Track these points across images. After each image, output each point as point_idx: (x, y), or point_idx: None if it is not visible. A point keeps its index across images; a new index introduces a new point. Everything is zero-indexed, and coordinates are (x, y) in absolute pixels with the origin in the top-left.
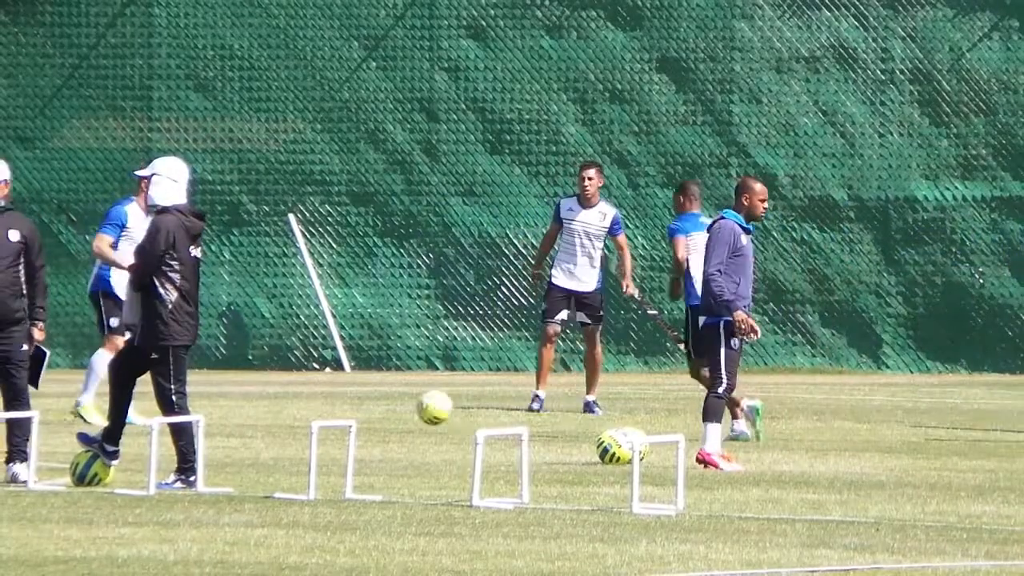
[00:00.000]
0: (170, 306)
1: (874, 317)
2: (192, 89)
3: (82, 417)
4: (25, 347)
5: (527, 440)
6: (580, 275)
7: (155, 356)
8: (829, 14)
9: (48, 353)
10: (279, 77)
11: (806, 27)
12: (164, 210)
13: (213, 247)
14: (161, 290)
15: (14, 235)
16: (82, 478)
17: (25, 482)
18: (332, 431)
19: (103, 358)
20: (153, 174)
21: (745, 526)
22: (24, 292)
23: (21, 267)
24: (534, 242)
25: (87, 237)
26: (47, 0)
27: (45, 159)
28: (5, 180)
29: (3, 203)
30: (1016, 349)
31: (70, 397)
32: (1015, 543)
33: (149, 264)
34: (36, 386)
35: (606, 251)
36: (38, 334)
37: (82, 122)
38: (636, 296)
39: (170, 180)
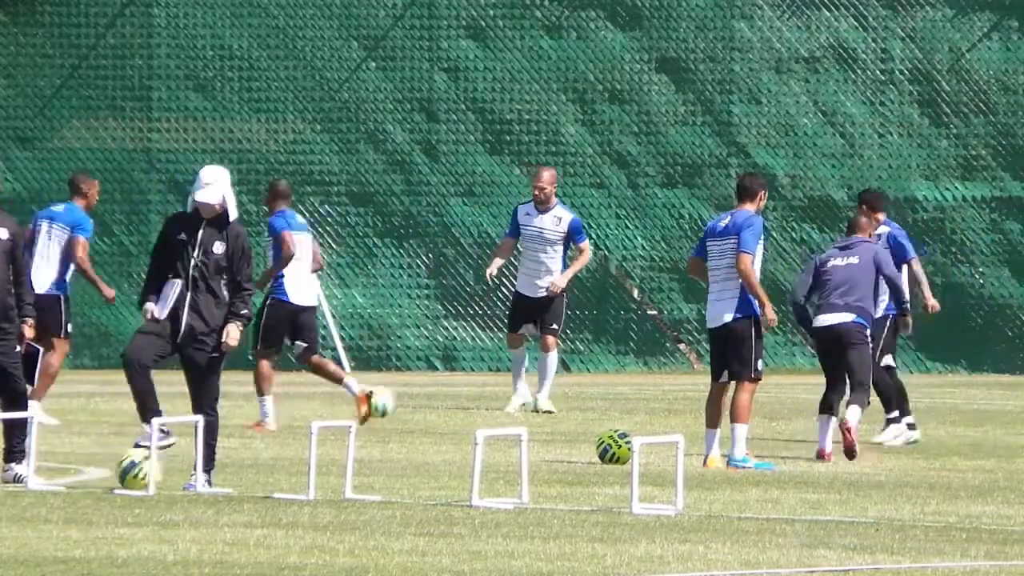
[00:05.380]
0: None
1: None
2: (192, 89)
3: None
4: (18, 348)
5: (527, 440)
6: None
7: (216, 356)
8: (829, 14)
9: (41, 350)
10: (279, 77)
11: (806, 27)
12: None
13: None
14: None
15: (3, 233)
16: (126, 473)
17: (25, 482)
18: (332, 431)
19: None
20: (223, 198)
21: (744, 526)
22: (11, 291)
23: (9, 266)
24: None
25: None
26: (47, 0)
27: (45, 159)
28: None
29: None
30: (1016, 349)
31: (69, 397)
32: (1015, 543)
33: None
34: (33, 383)
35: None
36: (28, 331)
37: (82, 122)
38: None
39: (229, 189)
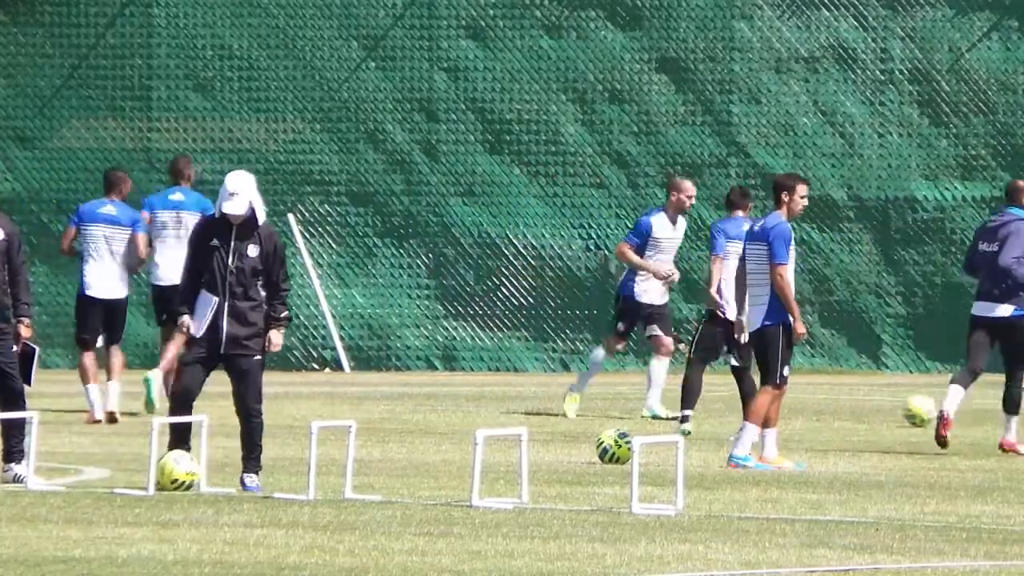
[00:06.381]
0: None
1: (874, 317)
2: (192, 89)
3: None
4: (15, 348)
5: (526, 440)
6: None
7: (258, 359)
8: (828, 14)
9: (38, 349)
10: (279, 77)
11: (805, 27)
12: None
13: None
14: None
15: None
16: None
17: (25, 482)
18: (332, 431)
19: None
20: (250, 204)
21: (745, 526)
22: (8, 291)
23: (5, 265)
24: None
25: None
26: (47, 0)
27: (45, 159)
28: None
29: None
30: None
31: (69, 397)
32: (1015, 543)
33: None
34: (29, 383)
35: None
36: (25, 331)
37: (82, 122)
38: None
39: (255, 194)
